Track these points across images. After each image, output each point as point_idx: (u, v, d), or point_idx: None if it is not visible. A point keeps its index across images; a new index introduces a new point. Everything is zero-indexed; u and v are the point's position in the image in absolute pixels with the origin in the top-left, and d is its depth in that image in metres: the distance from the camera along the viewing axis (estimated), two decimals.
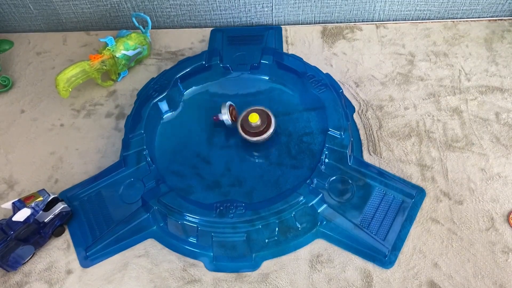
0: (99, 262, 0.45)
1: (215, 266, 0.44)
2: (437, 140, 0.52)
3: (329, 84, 0.53)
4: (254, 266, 0.44)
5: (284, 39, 0.65)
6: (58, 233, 0.47)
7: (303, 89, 0.55)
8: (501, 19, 0.66)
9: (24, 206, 0.44)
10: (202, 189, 0.48)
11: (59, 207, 0.46)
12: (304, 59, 0.61)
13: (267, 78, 0.58)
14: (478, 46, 0.62)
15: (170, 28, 0.69)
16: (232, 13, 0.67)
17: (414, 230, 0.45)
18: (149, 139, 0.50)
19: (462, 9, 0.67)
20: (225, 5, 0.66)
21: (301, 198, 0.43)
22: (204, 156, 0.51)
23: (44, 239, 0.46)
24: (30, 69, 0.62)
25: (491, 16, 0.67)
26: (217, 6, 0.66)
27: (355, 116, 0.55)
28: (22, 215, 0.43)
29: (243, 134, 0.49)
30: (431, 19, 0.67)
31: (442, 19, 0.67)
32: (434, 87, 0.58)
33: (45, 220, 0.45)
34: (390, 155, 0.51)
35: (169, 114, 0.56)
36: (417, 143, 0.52)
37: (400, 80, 0.59)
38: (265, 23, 0.68)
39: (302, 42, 0.65)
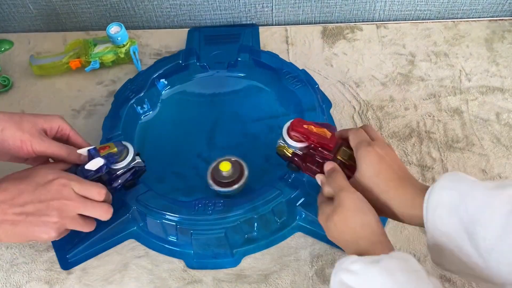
0: (80, 264, 0.45)
1: (196, 263, 0.44)
2: (438, 140, 0.52)
3: (305, 80, 0.53)
4: (235, 262, 0.44)
5: (284, 39, 0.65)
6: (129, 186, 0.45)
7: (279, 85, 0.55)
8: (502, 19, 0.66)
9: (99, 155, 0.42)
10: (200, 190, 0.48)
11: (134, 161, 0.43)
12: (305, 59, 0.62)
13: (244, 75, 0.58)
14: (478, 46, 0.62)
15: (170, 28, 0.69)
16: (232, 13, 0.67)
17: (418, 233, 0.45)
18: (127, 140, 0.48)
19: (463, 9, 0.67)
20: (225, 5, 0.66)
21: (278, 192, 0.43)
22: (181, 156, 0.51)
23: (115, 190, 0.44)
24: (30, 69, 0.61)
25: (492, 16, 0.67)
26: (217, 6, 0.66)
27: (356, 116, 0.56)
28: (95, 164, 0.41)
29: (213, 184, 0.46)
30: (432, 19, 0.67)
31: (443, 19, 0.67)
32: (434, 87, 0.58)
33: (117, 173, 0.43)
34: None
35: (147, 114, 0.55)
36: (418, 143, 0.52)
37: (400, 81, 0.59)
38: (265, 23, 0.68)
39: (302, 42, 0.65)
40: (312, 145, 0.40)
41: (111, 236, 0.46)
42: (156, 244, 0.46)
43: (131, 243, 0.46)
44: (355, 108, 0.56)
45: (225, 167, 0.45)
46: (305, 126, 0.41)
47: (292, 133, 0.41)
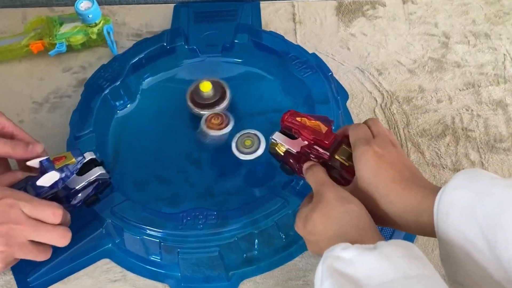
0: None
1: None
2: (477, 139, 0.51)
3: (316, 66, 0.52)
4: (231, 287, 0.43)
5: (291, 16, 0.63)
6: (91, 202, 0.43)
7: (285, 73, 0.53)
8: None
9: (53, 168, 0.40)
10: (188, 198, 0.46)
11: (96, 173, 0.42)
12: (316, 41, 0.61)
13: (242, 61, 0.56)
14: None
15: (152, 3, 0.67)
16: None
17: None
18: (100, 138, 0.50)
19: None
20: None
21: (284, 202, 0.42)
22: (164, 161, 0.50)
23: (74, 208, 0.42)
24: None
25: None
26: None
27: (377, 110, 0.54)
28: (49, 179, 0.40)
29: (192, 106, 0.50)
30: None
31: None
32: (473, 75, 0.56)
33: (77, 187, 0.41)
34: (420, 157, 0.50)
35: (124, 108, 0.54)
36: (453, 143, 0.51)
37: (432, 67, 0.57)
38: None
39: (312, 21, 0.63)
40: (306, 142, 0.39)
41: (81, 256, 0.45)
42: (135, 264, 0.45)
43: (105, 264, 0.45)
44: (376, 101, 0.55)
45: (206, 87, 0.48)
46: (298, 119, 0.40)
47: (283, 128, 0.40)
